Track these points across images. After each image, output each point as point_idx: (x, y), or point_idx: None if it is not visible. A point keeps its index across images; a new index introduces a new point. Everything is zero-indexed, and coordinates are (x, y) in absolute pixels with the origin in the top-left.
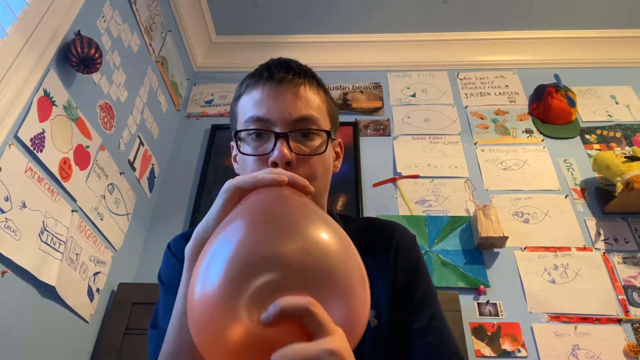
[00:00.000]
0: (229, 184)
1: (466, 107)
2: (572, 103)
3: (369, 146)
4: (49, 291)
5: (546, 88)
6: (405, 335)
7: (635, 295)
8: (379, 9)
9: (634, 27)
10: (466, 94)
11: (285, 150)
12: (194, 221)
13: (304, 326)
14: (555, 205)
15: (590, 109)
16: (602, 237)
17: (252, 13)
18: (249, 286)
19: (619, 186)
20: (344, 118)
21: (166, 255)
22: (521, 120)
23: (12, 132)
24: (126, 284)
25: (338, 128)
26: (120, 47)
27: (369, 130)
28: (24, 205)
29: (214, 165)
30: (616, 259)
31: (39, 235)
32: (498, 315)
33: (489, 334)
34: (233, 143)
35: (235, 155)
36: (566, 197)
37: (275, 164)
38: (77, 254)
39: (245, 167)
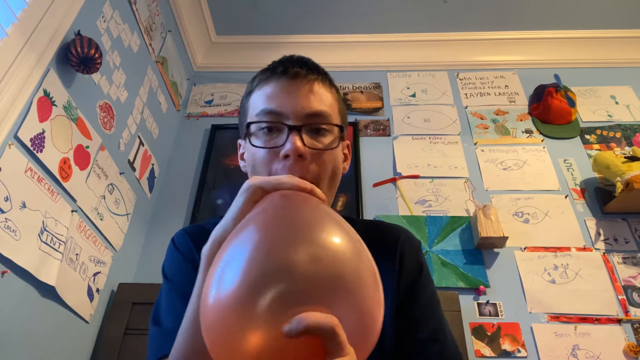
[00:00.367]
0: (250, 183)
1: (466, 107)
2: (572, 103)
3: (369, 146)
4: (48, 291)
5: (546, 88)
6: (409, 346)
7: (635, 295)
8: (379, 9)
9: (634, 27)
10: (466, 94)
11: (299, 143)
12: (194, 221)
13: (321, 342)
14: (555, 205)
15: (590, 109)
16: (602, 237)
17: (252, 13)
18: (264, 295)
19: (619, 186)
20: None
21: (170, 250)
22: (521, 120)
23: (12, 132)
24: (126, 284)
25: (347, 129)
26: (120, 47)
27: (369, 131)
28: (24, 206)
29: (214, 165)
30: (616, 259)
31: (39, 235)
32: (498, 316)
33: (489, 334)
34: (240, 141)
35: (243, 154)
36: (566, 197)
37: (287, 157)
38: (77, 254)
39: (255, 160)
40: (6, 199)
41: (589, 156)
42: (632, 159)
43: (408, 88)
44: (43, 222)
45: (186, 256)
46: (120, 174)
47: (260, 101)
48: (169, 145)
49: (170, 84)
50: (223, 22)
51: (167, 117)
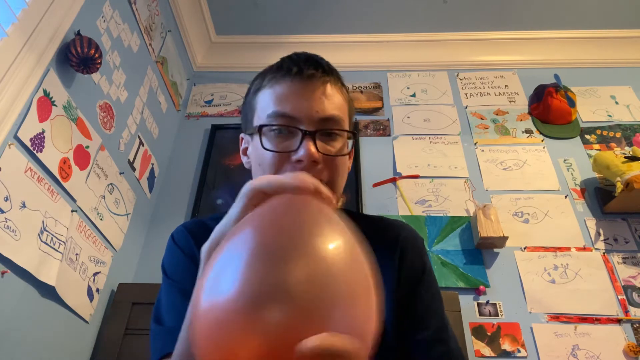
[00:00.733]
0: (250, 186)
1: (466, 107)
2: (572, 103)
3: (369, 146)
4: (48, 291)
5: (546, 88)
6: (411, 346)
7: (635, 295)
8: (379, 9)
9: (634, 27)
10: (466, 94)
11: (313, 149)
12: None
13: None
14: (555, 205)
15: (590, 109)
16: (602, 237)
17: (252, 13)
18: (254, 308)
19: (619, 186)
20: None
21: (170, 246)
22: (521, 120)
23: (12, 132)
24: (126, 284)
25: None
26: (120, 47)
27: (369, 130)
28: (24, 205)
29: (214, 165)
30: (616, 259)
31: (39, 235)
32: (498, 316)
33: (489, 334)
34: (243, 135)
35: (246, 149)
36: (566, 197)
37: (300, 162)
38: (76, 254)
39: (263, 162)
40: (6, 199)
41: (589, 156)
42: (632, 159)
43: (408, 88)
44: (43, 222)
45: (186, 252)
46: (120, 174)
47: (272, 101)
48: (169, 145)
49: (170, 84)
50: (223, 22)
51: (167, 117)
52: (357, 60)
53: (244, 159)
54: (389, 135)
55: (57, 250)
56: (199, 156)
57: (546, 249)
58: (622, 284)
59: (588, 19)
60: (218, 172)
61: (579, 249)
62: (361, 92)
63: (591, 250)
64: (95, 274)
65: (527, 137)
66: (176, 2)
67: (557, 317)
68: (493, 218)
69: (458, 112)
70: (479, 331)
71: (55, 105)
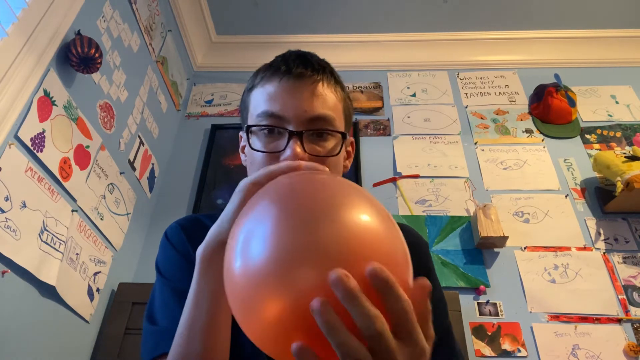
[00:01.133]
0: (243, 182)
1: (466, 107)
2: (572, 103)
3: (369, 146)
4: (49, 291)
5: (546, 88)
6: None
7: (635, 295)
8: (379, 9)
9: (634, 27)
10: (466, 94)
11: (299, 150)
12: None
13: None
14: (556, 205)
15: (591, 108)
16: (602, 237)
17: (252, 13)
18: (294, 264)
19: (619, 186)
20: None
21: (163, 244)
22: (521, 120)
23: (12, 132)
24: (126, 284)
25: (351, 126)
26: (120, 47)
27: (369, 130)
28: (24, 205)
29: (214, 165)
30: (616, 258)
31: (39, 235)
32: (498, 315)
33: (489, 333)
34: (242, 133)
35: (244, 147)
36: (566, 197)
37: None
38: (77, 254)
39: (253, 161)
40: (6, 199)
41: (589, 156)
42: (632, 158)
43: (408, 88)
44: (43, 221)
45: (179, 250)
46: (121, 173)
47: (261, 100)
48: (169, 145)
49: (170, 83)
50: (223, 22)
51: (167, 117)
52: (357, 60)
53: (242, 157)
54: (389, 135)
55: (57, 250)
56: (199, 156)
57: (546, 248)
58: (623, 284)
59: (588, 18)
60: (218, 172)
61: (579, 249)
62: (361, 92)
63: (591, 250)
64: (95, 274)
65: (528, 136)
66: (176, 2)
67: (557, 317)
68: (493, 218)
69: (458, 112)
70: (479, 331)
71: (55, 105)
